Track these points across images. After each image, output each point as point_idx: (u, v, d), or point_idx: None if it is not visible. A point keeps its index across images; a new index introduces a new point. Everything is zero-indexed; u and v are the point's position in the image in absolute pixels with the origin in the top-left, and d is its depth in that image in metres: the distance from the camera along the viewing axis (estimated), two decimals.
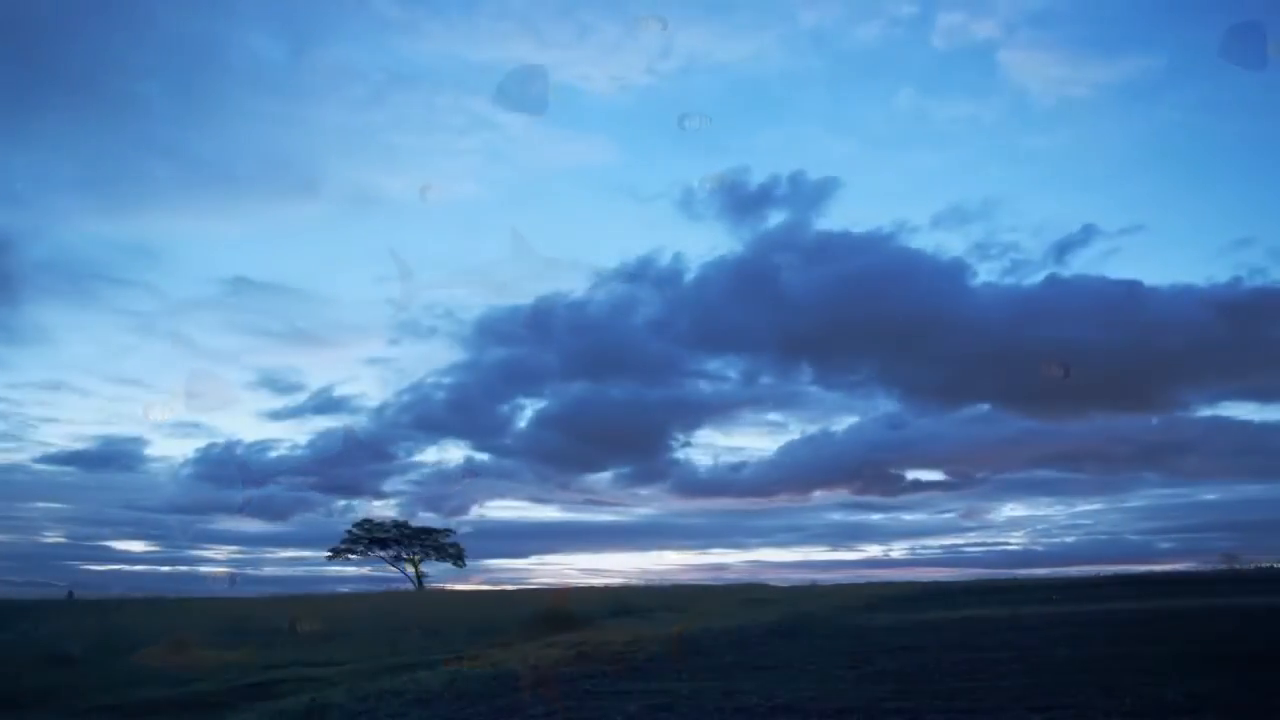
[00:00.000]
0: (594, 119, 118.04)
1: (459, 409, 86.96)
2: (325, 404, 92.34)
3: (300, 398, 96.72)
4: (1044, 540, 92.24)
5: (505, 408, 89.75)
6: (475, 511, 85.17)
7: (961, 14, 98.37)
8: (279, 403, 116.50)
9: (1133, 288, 78.80)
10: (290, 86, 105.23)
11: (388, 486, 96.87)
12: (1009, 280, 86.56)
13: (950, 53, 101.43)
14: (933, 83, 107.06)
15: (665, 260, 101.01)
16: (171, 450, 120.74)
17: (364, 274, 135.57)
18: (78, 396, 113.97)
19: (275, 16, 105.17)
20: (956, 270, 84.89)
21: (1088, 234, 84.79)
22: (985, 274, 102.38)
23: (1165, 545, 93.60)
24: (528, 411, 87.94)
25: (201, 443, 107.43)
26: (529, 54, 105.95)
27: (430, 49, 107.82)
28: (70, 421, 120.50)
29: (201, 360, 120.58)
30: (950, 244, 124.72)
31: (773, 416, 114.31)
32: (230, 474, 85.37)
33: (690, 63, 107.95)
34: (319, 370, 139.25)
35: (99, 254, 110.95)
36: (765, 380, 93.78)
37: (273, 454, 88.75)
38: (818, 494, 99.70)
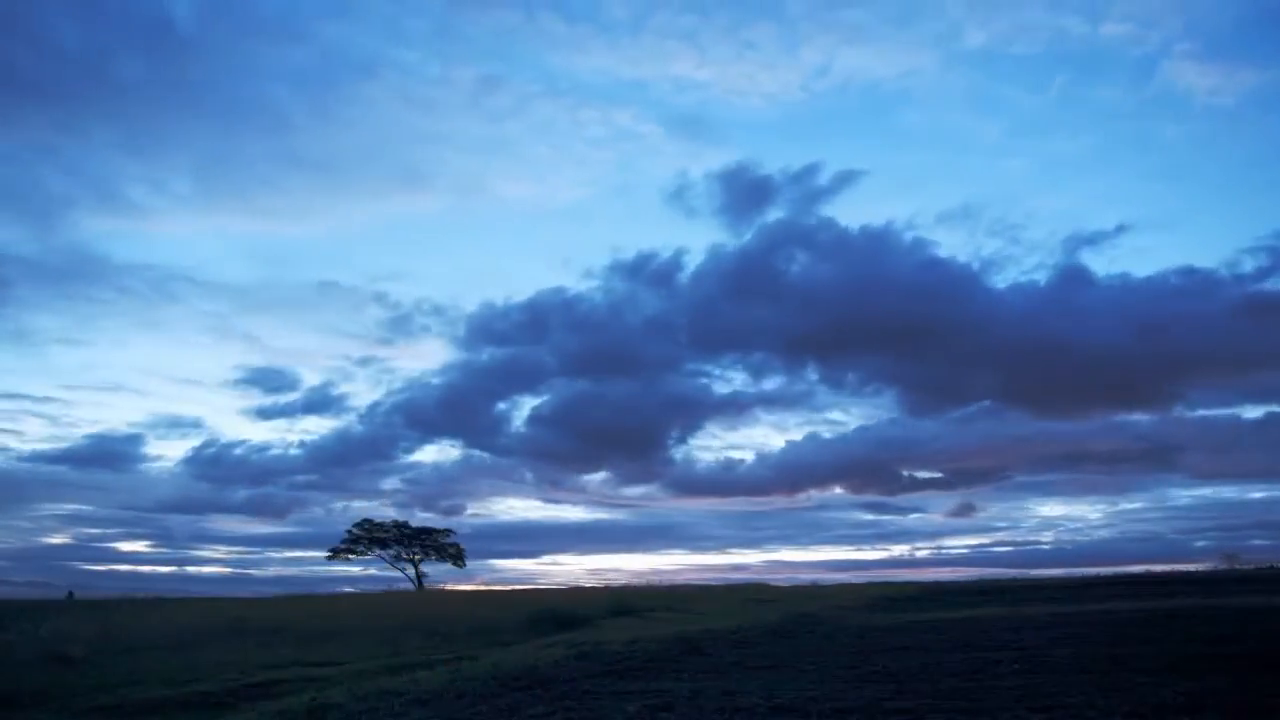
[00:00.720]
0: (734, 132, 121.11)
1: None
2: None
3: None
4: (1070, 540, 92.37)
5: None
6: (470, 511, 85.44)
7: (1129, 25, 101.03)
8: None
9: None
10: (434, 98, 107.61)
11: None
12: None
13: (1108, 59, 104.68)
14: (1087, 77, 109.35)
15: (756, 254, 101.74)
16: (173, 450, 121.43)
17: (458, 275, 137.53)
18: (135, 397, 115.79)
19: (436, 33, 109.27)
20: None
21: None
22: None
23: (1201, 544, 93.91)
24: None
25: (196, 441, 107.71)
26: (688, 71, 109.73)
27: (586, 65, 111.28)
28: (112, 422, 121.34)
29: (275, 359, 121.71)
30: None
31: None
32: (229, 473, 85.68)
33: (846, 80, 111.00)
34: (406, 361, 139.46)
35: (187, 255, 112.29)
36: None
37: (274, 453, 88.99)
38: (838, 493, 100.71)
